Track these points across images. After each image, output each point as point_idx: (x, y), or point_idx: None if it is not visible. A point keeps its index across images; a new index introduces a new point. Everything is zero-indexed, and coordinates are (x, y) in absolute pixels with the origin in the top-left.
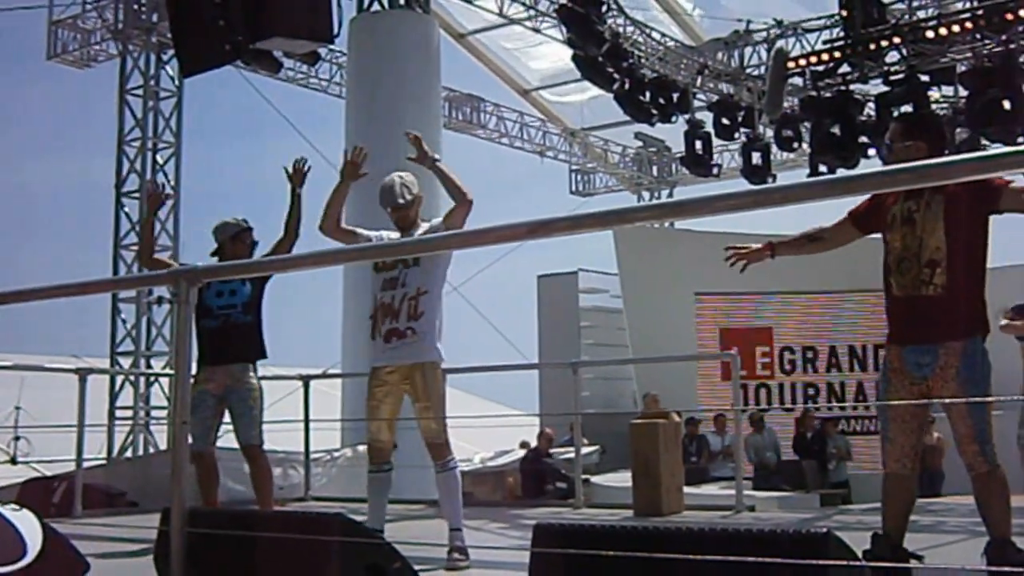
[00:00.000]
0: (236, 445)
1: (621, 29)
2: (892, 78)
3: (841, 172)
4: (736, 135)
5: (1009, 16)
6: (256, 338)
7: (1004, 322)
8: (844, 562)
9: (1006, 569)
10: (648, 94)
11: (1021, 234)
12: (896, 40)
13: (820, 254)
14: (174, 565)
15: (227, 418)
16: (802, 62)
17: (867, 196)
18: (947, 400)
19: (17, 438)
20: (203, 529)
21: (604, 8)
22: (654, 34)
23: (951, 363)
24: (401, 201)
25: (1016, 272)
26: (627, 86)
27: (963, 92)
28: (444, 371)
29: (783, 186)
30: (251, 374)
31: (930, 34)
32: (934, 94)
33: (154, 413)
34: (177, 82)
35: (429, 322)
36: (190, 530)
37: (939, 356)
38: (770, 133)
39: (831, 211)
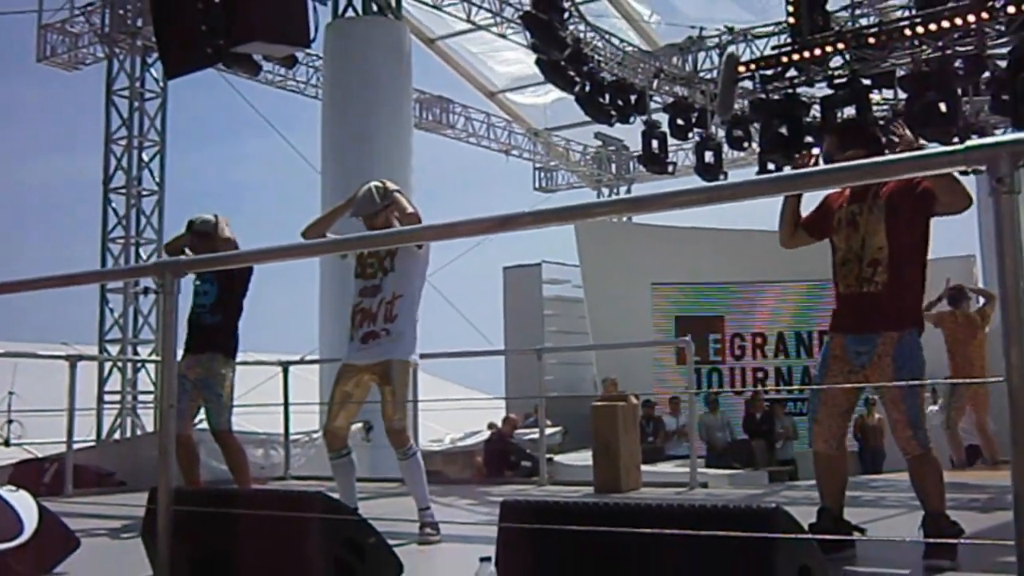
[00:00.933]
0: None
1: (582, 35)
2: (836, 82)
3: (788, 170)
4: (690, 135)
5: (945, 24)
6: (222, 337)
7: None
8: (792, 535)
9: (941, 541)
10: (607, 96)
11: (955, 227)
12: (840, 46)
13: (770, 249)
14: (161, 542)
15: None
16: (752, 66)
17: (816, 205)
18: (880, 384)
19: (10, 421)
20: (189, 507)
21: (566, 15)
22: (613, 39)
23: (887, 351)
24: (376, 205)
25: (951, 263)
26: (587, 88)
27: (902, 95)
28: (415, 366)
29: (734, 183)
30: (222, 365)
31: (872, 40)
32: (875, 97)
33: (141, 398)
34: (161, 84)
35: (402, 324)
36: (176, 508)
37: (877, 345)
38: (722, 133)
39: (777, 205)
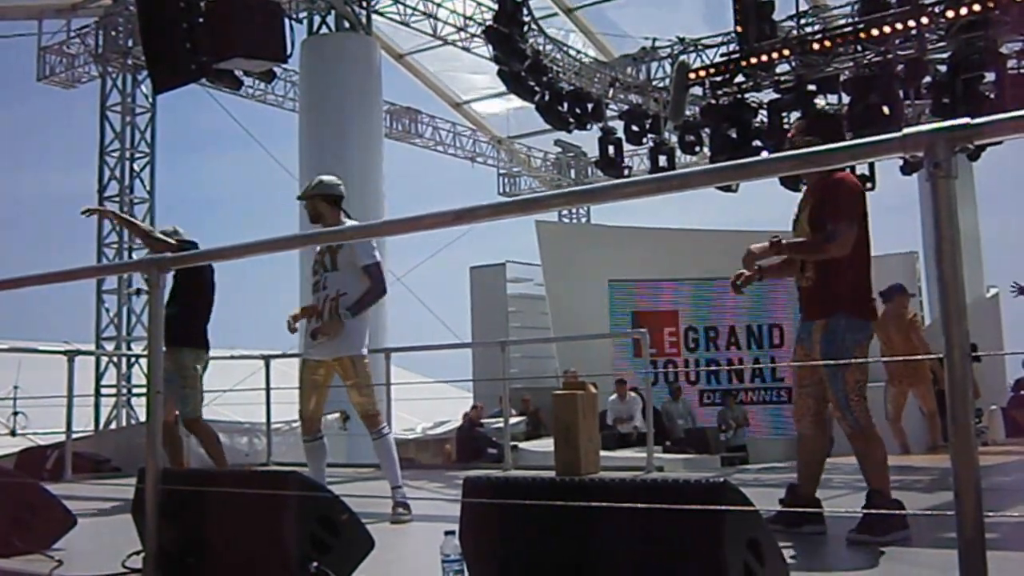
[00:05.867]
0: (207, 417)
1: (541, 47)
2: (782, 86)
3: None
4: (644, 140)
5: (887, 29)
6: (182, 328)
7: None
8: (741, 507)
9: (882, 512)
10: (566, 105)
11: (898, 225)
12: (786, 52)
13: (721, 248)
14: (149, 518)
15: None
16: (702, 73)
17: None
18: (801, 364)
19: (15, 413)
20: (174, 486)
21: (525, 28)
22: (570, 51)
23: (817, 337)
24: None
25: (894, 260)
26: (547, 98)
27: (846, 98)
28: (388, 351)
29: (679, 173)
30: (186, 357)
31: (816, 46)
32: (820, 101)
33: (134, 390)
34: (151, 99)
35: (348, 321)
36: (163, 487)
37: (812, 332)
38: (674, 138)
39: (729, 206)
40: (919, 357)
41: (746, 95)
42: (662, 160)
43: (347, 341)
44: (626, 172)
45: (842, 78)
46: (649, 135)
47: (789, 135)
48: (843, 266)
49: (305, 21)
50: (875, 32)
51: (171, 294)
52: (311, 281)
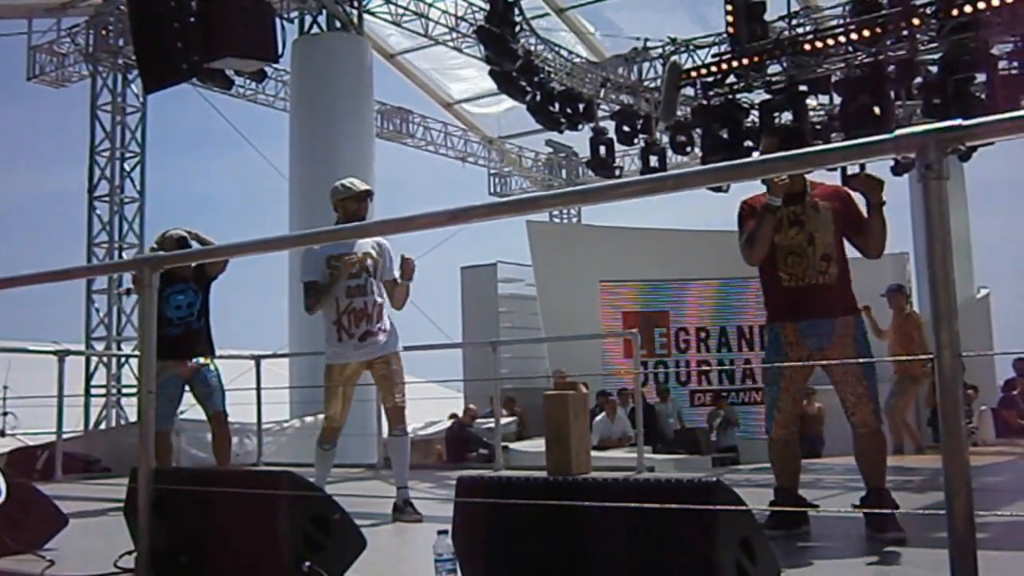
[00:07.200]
0: (202, 417)
1: (532, 47)
2: (774, 87)
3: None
4: (636, 141)
5: (878, 30)
6: (209, 337)
7: None
8: (734, 507)
9: (885, 511)
10: (557, 105)
11: (889, 225)
12: (777, 53)
13: (712, 248)
14: (142, 518)
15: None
16: (693, 74)
17: (748, 212)
18: (834, 363)
19: (5, 413)
20: (167, 486)
21: (517, 28)
22: (562, 51)
23: (848, 332)
24: (368, 187)
25: (885, 260)
26: (538, 98)
27: (837, 99)
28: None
29: (675, 173)
30: (213, 358)
31: (807, 47)
32: (811, 102)
33: (124, 390)
34: (141, 99)
35: (390, 323)
36: (156, 487)
37: (836, 327)
38: (666, 139)
39: (719, 206)
40: (915, 357)
41: (738, 96)
42: (653, 160)
43: (394, 338)
44: (617, 172)
45: (833, 79)
46: (640, 135)
47: (764, 148)
48: (849, 269)
49: (296, 21)
50: (867, 33)
51: (201, 307)
52: (344, 282)
